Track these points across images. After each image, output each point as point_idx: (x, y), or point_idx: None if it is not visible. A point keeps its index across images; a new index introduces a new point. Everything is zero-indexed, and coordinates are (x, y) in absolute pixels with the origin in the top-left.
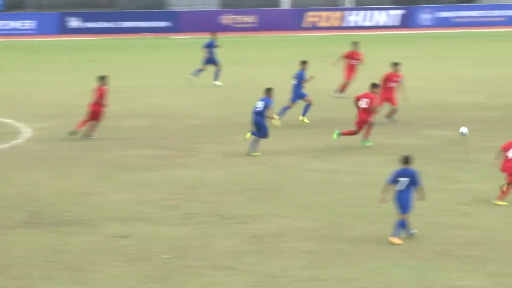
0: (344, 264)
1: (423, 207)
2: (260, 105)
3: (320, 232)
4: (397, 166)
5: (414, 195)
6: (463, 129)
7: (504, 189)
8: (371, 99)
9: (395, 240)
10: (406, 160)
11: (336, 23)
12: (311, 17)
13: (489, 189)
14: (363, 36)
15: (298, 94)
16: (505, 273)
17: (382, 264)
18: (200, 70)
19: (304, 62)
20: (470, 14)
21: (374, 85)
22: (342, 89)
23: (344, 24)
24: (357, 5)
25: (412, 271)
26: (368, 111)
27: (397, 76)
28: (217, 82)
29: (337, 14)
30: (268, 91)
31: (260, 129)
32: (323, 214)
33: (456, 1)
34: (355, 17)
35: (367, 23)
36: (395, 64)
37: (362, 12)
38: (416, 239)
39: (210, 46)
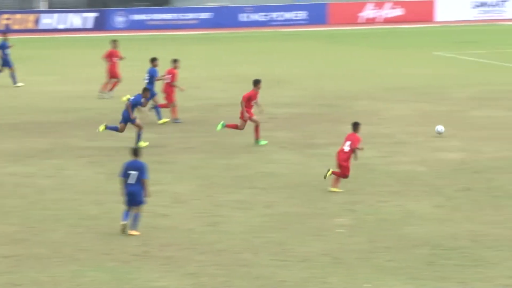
0: (42, 268)
1: (120, 209)
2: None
3: (17, 236)
4: (94, 170)
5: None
6: (439, 128)
7: (329, 174)
8: (252, 95)
9: (134, 232)
10: (135, 153)
11: (30, 26)
12: (5, 19)
13: (185, 190)
14: (58, 38)
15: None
16: (203, 273)
17: (80, 267)
18: None
19: (154, 59)
20: (164, 17)
21: (256, 82)
22: (111, 87)
23: (39, 27)
24: (51, 8)
25: (111, 273)
26: (249, 107)
27: (172, 73)
28: (19, 84)
29: (31, 16)
30: (144, 91)
31: (125, 122)
32: (20, 218)
33: (149, 4)
34: (49, 20)
35: (61, 26)
36: (175, 61)
37: (56, 15)
38: (114, 241)
39: (2, 47)
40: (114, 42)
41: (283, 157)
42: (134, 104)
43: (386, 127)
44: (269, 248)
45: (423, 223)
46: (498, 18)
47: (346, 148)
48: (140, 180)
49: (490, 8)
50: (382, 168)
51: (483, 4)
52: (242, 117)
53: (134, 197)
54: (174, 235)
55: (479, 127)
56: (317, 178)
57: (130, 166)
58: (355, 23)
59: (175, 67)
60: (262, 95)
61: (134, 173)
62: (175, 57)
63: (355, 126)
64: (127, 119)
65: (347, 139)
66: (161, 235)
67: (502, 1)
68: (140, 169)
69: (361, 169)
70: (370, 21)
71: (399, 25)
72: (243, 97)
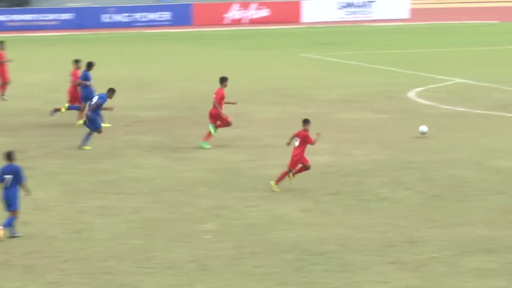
0: None
1: None
2: (94, 100)
3: None
4: None
5: (20, 191)
6: (423, 128)
7: (283, 173)
8: (217, 95)
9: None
10: (9, 156)
11: None
12: None
13: (47, 196)
14: None
15: (86, 95)
16: (66, 282)
17: None
18: None
19: (89, 64)
20: (24, 18)
21: (222, 79)
22: (3, 91)
23: None
24: None
25: None
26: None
27: (75, 75)
28: None
29: None
30: (109, 91)
31: (91, 122)
32: None
33: (8, 4)
34: None
35: None
36: (76, 61)
37: None
38: None
39: None
40: (1, 43)
41: (149, 162)
42: (100, 104)
43: (253, 130)
44: (134, 255)
45: (291, 228)
46: (364, 19)
47: (297, 143)
48: (15, 185)
49: (357, 9)
50: (249, 172)
51: (349, 5)
52: (218, 119)
53: (8, 202)
54: (36, 243)
55: (347, 129)
56: (183, 182)
57: (5, 171)
58: (220, 24)
59: (77, 68)
60: (126, 98)
61: (8, 177)
62: (76, 58)
63: (303, 122)
64: (92, 122)
65: (296, 135)
66: (22, 243)
67: (368, 2)
68: (16, 173)
69: (227, 173)
70: (236, 22)
71: (265, 26)
72: (218, 98)
